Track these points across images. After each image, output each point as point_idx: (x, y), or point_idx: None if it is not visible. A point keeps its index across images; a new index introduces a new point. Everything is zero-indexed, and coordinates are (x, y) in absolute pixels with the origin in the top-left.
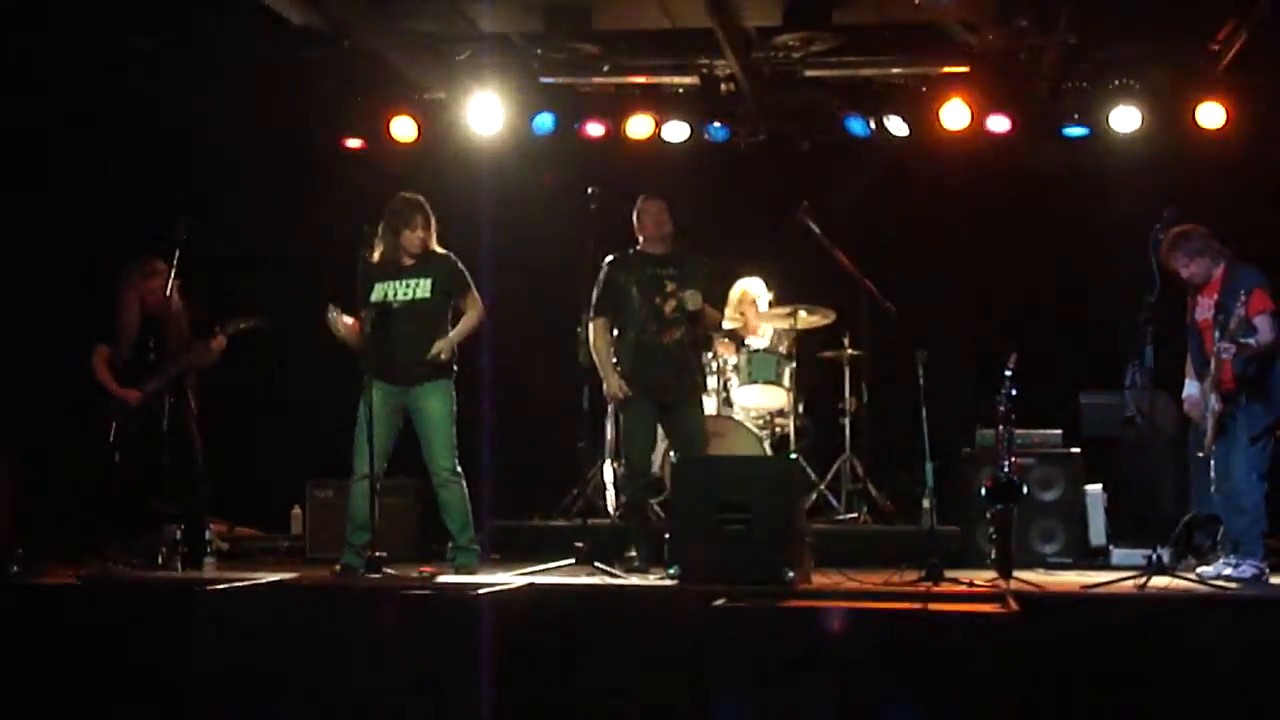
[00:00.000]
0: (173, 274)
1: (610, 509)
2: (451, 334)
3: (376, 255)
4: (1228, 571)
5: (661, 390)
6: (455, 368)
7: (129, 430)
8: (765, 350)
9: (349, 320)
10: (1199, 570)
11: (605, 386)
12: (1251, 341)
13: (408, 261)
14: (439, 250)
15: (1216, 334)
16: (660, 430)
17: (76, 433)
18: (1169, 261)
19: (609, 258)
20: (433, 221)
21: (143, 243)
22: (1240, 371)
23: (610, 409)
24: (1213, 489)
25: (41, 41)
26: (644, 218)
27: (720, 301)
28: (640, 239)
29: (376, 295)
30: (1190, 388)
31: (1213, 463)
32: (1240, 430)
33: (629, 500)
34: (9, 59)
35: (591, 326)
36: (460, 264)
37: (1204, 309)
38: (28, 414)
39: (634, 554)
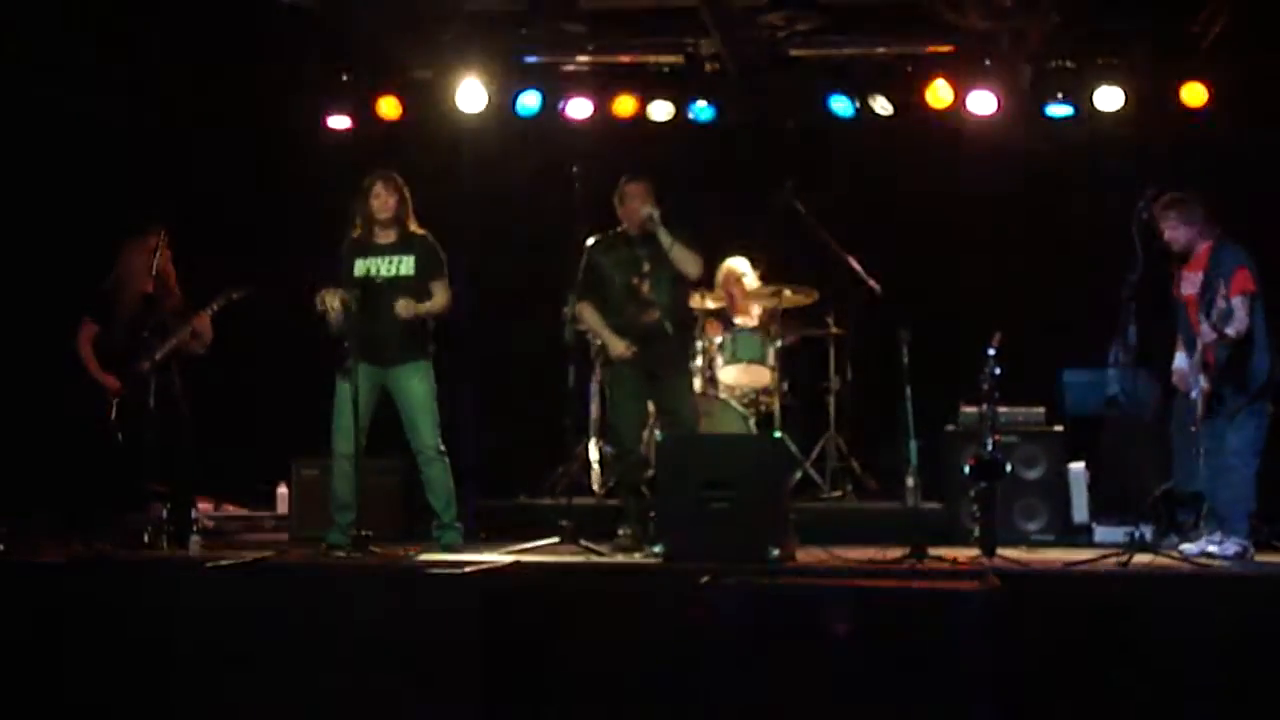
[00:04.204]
0: (158, 253)
1: (595, 487)
2: (420, 305)
3: (356, 232)
4: (1211, 549)
5: (646, 359)
6: (433, 350)
7: (124, 409)
8: (750, 329)
9: (338, 304)
10: (1182, 548)
11: (610, 350)
12: (1230, 332)
13: (389, 238)
14: (419, 230)
15: (1201, 315)
16: (650, 408)
17: (67, 410)
18: (1158, 221)
19: (590, 240)
20: (406, 196)
21: (135, 219)
22: (1220, 358)
23: (595, 388)
24: (1200, 463)
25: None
26: (626, 200)
27: (707, 281)
28: (623, 220)
29: (359, 271)
30: (1180, 360)
31: (1203, 439)
32: (1227, 408)
33: (620, 479)
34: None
35: (579, 308)
36: (439, 249)
37: (1190, 284)
38: (13, 391)
39: (624, 532)
